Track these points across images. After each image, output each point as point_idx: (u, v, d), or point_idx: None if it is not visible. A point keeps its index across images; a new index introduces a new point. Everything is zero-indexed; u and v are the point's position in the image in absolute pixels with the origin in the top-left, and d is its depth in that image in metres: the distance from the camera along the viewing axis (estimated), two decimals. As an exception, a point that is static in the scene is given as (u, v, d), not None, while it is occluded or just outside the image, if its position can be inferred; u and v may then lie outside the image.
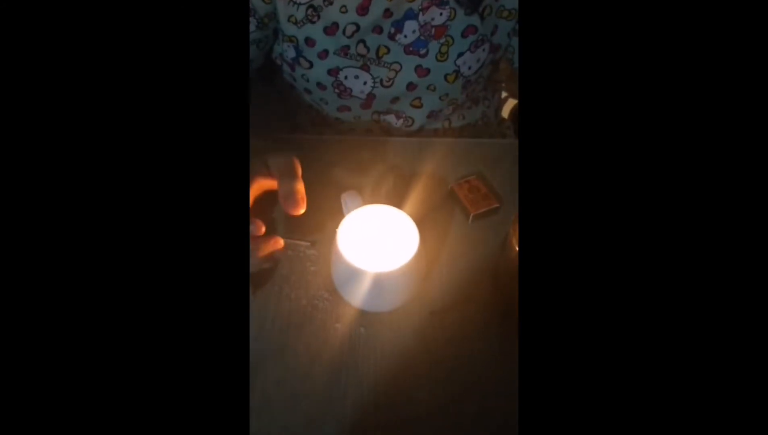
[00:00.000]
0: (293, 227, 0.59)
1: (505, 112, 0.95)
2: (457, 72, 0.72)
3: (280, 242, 0.54)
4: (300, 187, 0.53)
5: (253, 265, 0.52)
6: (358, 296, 0.51)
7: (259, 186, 0.54)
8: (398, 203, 0.54)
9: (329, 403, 0.49)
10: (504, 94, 0.93)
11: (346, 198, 0.54)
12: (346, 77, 0.71)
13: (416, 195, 0.62)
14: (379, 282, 0.49)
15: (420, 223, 0.51)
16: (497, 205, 0.61)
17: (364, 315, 0.54)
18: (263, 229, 0.51)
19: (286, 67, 0.74)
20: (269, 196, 0.55)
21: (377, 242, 0.51)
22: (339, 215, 0.55)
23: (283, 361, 0.51)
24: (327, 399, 0.49)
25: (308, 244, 0.58)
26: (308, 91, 0.76)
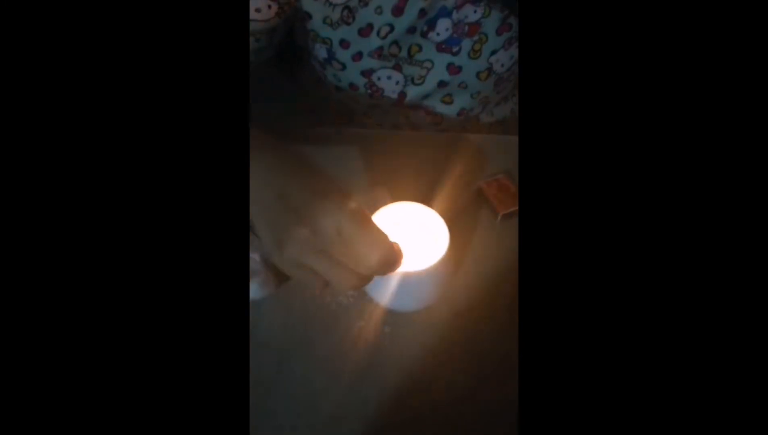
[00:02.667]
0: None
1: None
2: (490, 69, 0.70)
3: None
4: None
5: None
6: (385, 295, 0.50)
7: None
8: (425, 200, 0.53)
9: (353, 402, 0.49)
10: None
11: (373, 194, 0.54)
12: (379, 78, 0.71)
13: (443, 192, 0.61)
14: (408, 281, 0.48)
15: (447, 220, 0.50)
16: (527, 206, 0.60)
17: (389, 314, 0.54)
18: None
19: (317, 65, 0.73)
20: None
21: (406, 240, 0.50)
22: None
23: (307, 358, 0.51)
24: (351, 397, 0.49)
25: None
26: (339, 90, 0.75)
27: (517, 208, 0.60)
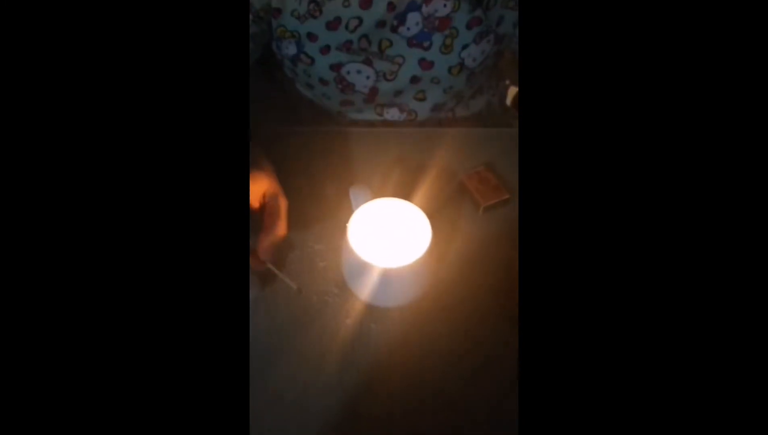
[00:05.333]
0: (300, 226, 0.58)
1: (509, 99, 0.94)
2: (462, 64, 0.71)
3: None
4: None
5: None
6: (368, 291, 0.50)
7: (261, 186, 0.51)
8: (406, 196, 0.53)
9: (340, 399, 0.48)
10: (507, 82, 0.92)
11: (354, 191, 0.53)
12: (348, 72, 0.70)
13: (424, 187, 0.61)
14: (391, 277, 0.48)
15: (429, 215, 0.50)
16: (508, 197, 0.60)
17: (374, 310, 0.53)
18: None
19: (287, 63, 0.72)
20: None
21: (388, 236, 0.50)
22: (347, 209, 0.54)
23: (294, 356, 0.50)
24: (337, 394, 0.48)
25: (295, 288, 0.53)
26: (310, 87, 0.75)
27: (499, 199, 0.60)
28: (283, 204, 0.51)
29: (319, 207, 0.61)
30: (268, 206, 0.50)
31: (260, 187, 0.50)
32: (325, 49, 0.67)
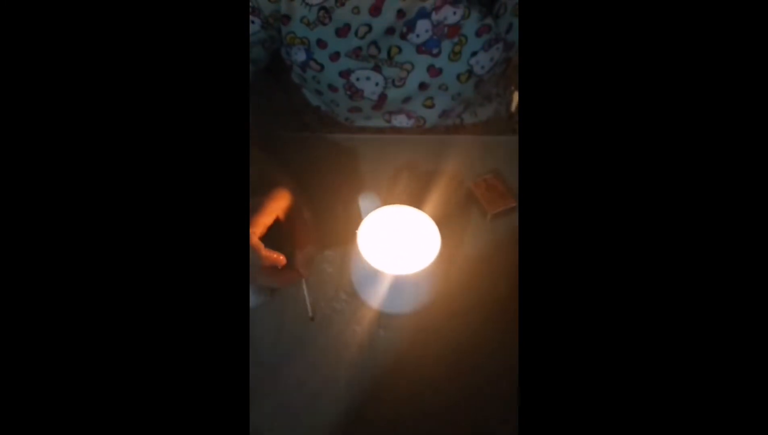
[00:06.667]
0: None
1: (514, 105, 0.93)
2: (470, 71, 0.71)
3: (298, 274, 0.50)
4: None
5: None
6: (378, 298, 0.50)
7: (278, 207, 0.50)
8: (414, 203, 0.53)
9: (350, 404, 0.49)
10: (512, 87, 0.92)
11: (363, 199, 0.54)
12: (357, 79, 0.70)
13: (432, 194, 0.61)
14: (401, 284, 0.48)
15: (438, 222, 0.50)
16: (515, 205, 0.61)
17: (382, 317, 0.54)
18: (284, 260, 0.49)
19: (296, 69, 0.73)
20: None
21: (397, 243, 0.50)
22: (354, 215, 0.54)
23: (303, 363, 0.51)
24: (346, 401, 0.49)
25: (310, 315, 0.54)
26: (319, 93, 0.75)
27: (507, 207, 0.60)
28: (308, 216, 0.51)
29: (327, 212, 0.61)
30: (297, 221, 0.50)
31: (285, 202, 0.50)
32: (335, 56, 0.67)
